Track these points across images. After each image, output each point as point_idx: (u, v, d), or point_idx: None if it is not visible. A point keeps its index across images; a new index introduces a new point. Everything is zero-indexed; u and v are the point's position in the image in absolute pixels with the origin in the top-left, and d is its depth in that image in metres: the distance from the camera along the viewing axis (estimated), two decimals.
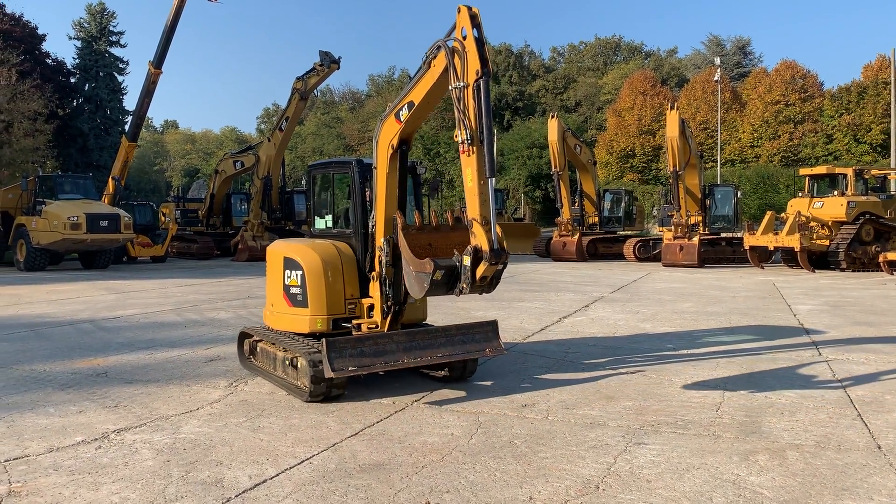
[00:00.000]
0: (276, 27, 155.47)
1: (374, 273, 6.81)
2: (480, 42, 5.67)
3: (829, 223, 21.37)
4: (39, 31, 45.14)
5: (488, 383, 7.18)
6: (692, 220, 24.06)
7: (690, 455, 5.01)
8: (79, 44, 52.16)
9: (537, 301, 14.00)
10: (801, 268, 20.83)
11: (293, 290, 7.00)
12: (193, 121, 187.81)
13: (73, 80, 50.24)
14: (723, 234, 25.47)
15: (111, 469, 4.79)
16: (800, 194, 23.12)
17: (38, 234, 22.02)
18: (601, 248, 27.93)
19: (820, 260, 21.26)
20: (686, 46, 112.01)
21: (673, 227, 24.07)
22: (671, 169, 23.55)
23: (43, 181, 23.79)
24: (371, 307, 6.89)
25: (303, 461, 4.92)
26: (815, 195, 22.33)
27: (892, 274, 19.81)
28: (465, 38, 5.74)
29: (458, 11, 5.79)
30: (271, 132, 29.55)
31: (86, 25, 52.60)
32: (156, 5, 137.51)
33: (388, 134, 6.60)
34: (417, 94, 6.31)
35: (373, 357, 6.33)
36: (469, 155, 5.71)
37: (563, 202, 26.79)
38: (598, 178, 31.16)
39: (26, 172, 27.84)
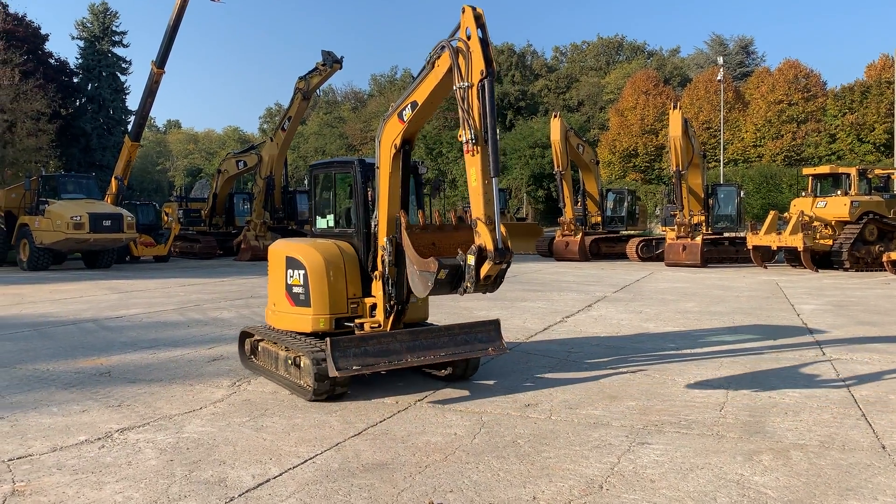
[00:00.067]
0: (278, 27, 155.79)
1: (376, 272, 6.82)
2: (485, 42, 5.67)
3: (833, 223, 21.33)
4: (42, 31, 45.20)
5: (491, 383, 7.18)
6: (695, 220, 24.03)
7: (694, 455, 5.00)
8: (82, 44, 52.27)
9: (540, 301, 13.99)
10: (805, 267, 20.79)
11: (296, 290, 7.00)
12: (196, 120, 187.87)
13: (75, 80, 50.33)
14: (726, 234, 25.44)
15: (114, 468, 4.79)
16: (803, 194, 23.06)
17: (42, 233, 22.06)
18: (604, 248, 27.91)
19: (823, 260, 21.22)
20: (689, 46, 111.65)
21: (676, 227, 24.03)
22: (674, 168, 23.51)
23: (46, 181, 23.85)
24: (373, 306, 6.89)
25: (306, 461, 4.92)
26: (818, 195, 22.27)
27: None
28: (469, 38, 5.73)
29: (463, 12, 5.78)
30: (274, 132, 29.58)
31: (89, 25, 52.72)
32: (158, 5, 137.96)
33: (390, 134, 6.60)
34: (421, 94, 6.31)
35: (377, 356, 6.33)
36: (473, 155, 5.71)
37: (566, 202, 26.76)
38: (601, 177, 31.14)
39: (29, 172, 27.86)
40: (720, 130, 49.39)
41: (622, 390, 6.84)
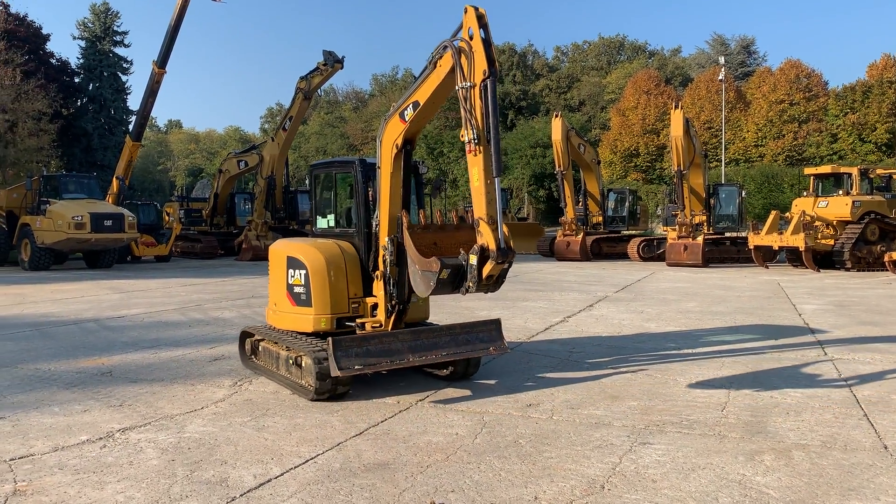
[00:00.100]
0: (279, 27, 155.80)
1: (377, 272, 6.81)
2: (487, 42, 5.67)
3: (834, 223, 21.32)
4: (44, 31, 45.18)
5: (493, 382, 7.17)
6: (696, 220, 24.01)
7: (696, 455, 4.99)
8: (83, 43, 52.25)
9: (541, 300, 13.99)
10: (806, 267, 20.77)
11: (297, 290, 7.00)
12: (197, 120, 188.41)
13: (77, 80, 50.31)
14: (727, 234, 25.43)
15: (116, 468, 4.79)
16: (804, 194, 23.06)
17: (43, 233, 22.08)
18: (605, 248, 27.91)
19: (825, 259, 21.21)
20: (690, 45, 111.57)
21: (677, 227, 24.03)
22: (675, 168, 23.52)
23: (47, 181, 23.87)
24: (375, 306, 6.89)
25: (307, 460, 4.92)
26: (819, 194, 22.26)
27: None
28: (471, 38, 5.73)
29: (465, 12, 5.79)
30: (275, 132, 29.57)
31: (90, 25, 52.69)
32: (160, 5, 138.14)
33: (392, 133, 6.60)
34: (423, 94, 6.31)
35: (378, 356, 6.34)
36: (476, 154, 5.71)
37: (567, 202, 26.76)
38: (602, 177, 31.12)
39: (31, 172, 27.89)
40: (721, 130, 49.31)
41: (624, 390, 6.84)
